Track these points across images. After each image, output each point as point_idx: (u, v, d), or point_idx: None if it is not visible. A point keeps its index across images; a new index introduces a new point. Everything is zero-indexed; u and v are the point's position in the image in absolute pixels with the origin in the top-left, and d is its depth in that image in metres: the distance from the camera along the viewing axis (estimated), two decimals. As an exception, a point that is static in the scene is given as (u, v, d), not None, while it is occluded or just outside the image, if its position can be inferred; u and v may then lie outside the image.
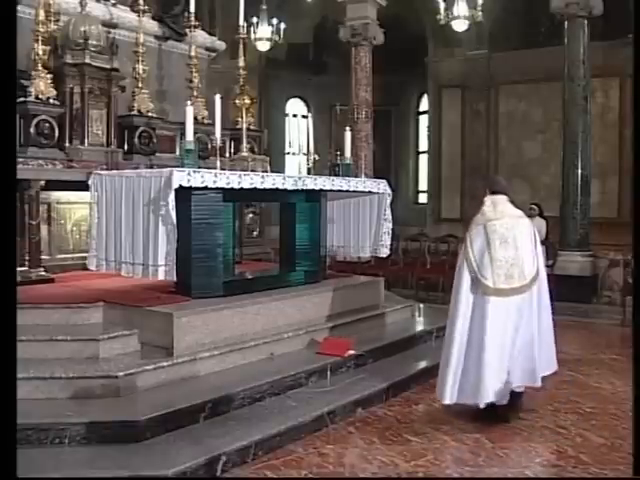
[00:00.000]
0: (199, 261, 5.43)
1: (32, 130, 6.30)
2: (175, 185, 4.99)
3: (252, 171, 6.26)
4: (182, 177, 5.06)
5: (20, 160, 5.87)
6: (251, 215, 8.42)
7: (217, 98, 6.03)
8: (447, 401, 4.77)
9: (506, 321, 4.69)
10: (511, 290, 4.70)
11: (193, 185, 5.16)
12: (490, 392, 4.65)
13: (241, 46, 8.56)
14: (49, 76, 6.46)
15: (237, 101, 8.39)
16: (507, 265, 4.71)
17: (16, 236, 5.64)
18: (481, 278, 4.70)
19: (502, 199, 4.95)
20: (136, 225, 5.27)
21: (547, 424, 4.90)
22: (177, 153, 7.72)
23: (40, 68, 6.40)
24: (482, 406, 4.70)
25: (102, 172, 5.82)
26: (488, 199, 4.97)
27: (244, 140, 7.17)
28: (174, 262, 5.05)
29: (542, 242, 5.53)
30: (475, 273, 4.73)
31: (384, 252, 7.12)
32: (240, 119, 8.02)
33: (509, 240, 4.76)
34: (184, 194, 5.16)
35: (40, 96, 6.34)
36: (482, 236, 4.79)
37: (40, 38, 6.42)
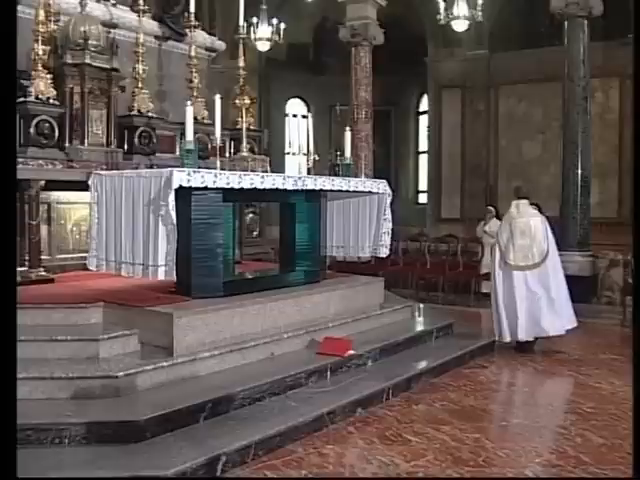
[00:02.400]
0: (199, 261, 5.43)
1: (32, 130, 6.31)
2: (175, 185, 4.98)
3: (252, 171, 6.26)
4: (182, 177, 5.05)
5: (20, 160, 5.87)
6: (251, 215, 8.42)
7: (217, 98, 6.03)
8: (507, 339, 6.84)
9: (524, 285, 6.77)
10: (526, 266, 6.82)
11: (193, 185, 5.15)
12: (524, 331, 6.74)
13: (241, 46, 8.57)
14: (49, 76, 6.46)
15: (237, 101, 8.39)
16: (524, 249, 6.85)
17: (16, 236, 5.64)
18: (506, 259, 6.89)
19: (524, 202, 7.04)
20: (136, 225, 5.25)
21: (547, 424, 4.91)
22: (177, 153, 7.70)
23: (40, 68, 6.40)
24: (522, 339, 6.79)
25: (102, 172, 5.80)
26: (514, 203, 7.06)
27: (244, 140, 7.17)
28: (174, 262, 5.04)
29: None
30: (502, 255, 6.93)
31: (384, 252, 7.11)
32: (240, 119, 8.02)
33: (526, 232, 6.88)
34: (184, 194, 5.15)
35: (40, 96, 6.33)
36: (508, 230, 6.95)
37: (40, 38, 6.42)
